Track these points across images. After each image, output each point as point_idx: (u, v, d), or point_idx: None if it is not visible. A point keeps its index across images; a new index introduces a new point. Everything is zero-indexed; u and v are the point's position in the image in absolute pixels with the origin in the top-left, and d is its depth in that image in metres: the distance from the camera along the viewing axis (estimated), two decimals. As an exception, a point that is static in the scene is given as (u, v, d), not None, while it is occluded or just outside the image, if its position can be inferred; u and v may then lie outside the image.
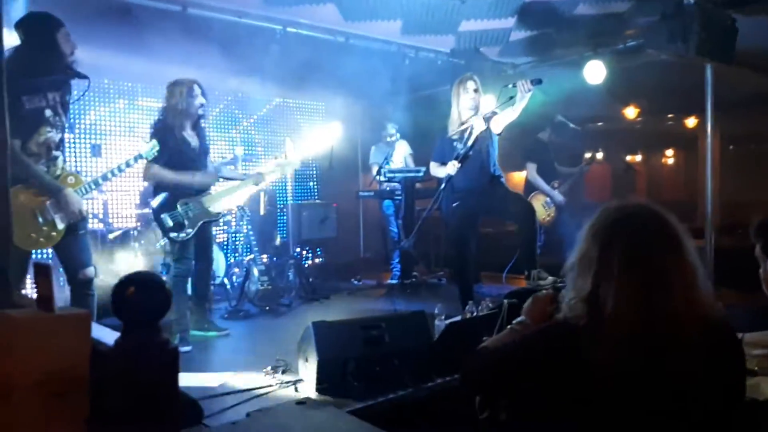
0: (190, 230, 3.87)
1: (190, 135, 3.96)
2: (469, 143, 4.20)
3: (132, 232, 5.12)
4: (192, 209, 3.90)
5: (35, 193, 3.08)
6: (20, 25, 3.01)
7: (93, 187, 3.33)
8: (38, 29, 3.03)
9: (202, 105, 3.96)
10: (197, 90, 3.92)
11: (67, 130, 3.28)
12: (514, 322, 1.69)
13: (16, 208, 2.96)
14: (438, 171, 4.49)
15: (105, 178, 3.44)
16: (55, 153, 3.17)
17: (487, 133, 4.24)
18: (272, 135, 7.07)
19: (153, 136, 3.80)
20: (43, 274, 1.27)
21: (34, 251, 3.32)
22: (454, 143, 4.30)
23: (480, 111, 4.29)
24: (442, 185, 4.35)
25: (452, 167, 4.22)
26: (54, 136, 3.13)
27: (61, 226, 3.16)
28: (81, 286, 3.22)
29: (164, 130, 3.84)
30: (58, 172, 3.19)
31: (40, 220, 3.11)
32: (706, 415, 1.34)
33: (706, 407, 1.33)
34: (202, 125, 4.09)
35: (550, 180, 5.96)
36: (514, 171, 7.46)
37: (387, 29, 5.24)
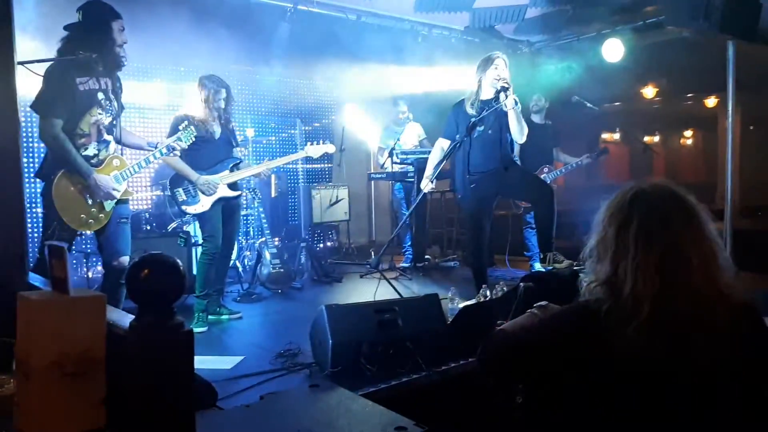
0: (206, 203, 4.03)
1: (214, 127, 4.10)
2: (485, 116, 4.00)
3: (143, 215, 5.12)
4: (204, 183, 4.02)
5: (79, 177, 3.17)
6: (81, 8, 3.15)
7: (136, 170, 3.46)
8: (97, 14, 3.16)
9: (227, 105, 4.14)
10: (223, 93, 4.10)
11: (119, 115, 3.37)
12: (535, 305, 1.64)
13: (63, 191, 3.13)
14: (429, 165, 4.34)
15: (147, 161, 3.59)
16: (107, 137, 3.27)
17: (505, 116, 4.05)
18: (283, 117, 7.04)
19: (180, 120, 3.95)
20: (57, 256, 1.26)
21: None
22: (472, 119, 4.07)
23: (503, 92, 3.97)
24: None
25: (428, 186, 4.25)
26: (104, 119, 3.22)
27: (108, 207, 3.26)
28: (114, 274, 3.28)
29: (189, 118, 4.00)
30: (108, 155, 3.28)
31: (89, 201, 3.20)
32: (734, 398, 1.30)
33: (734, 390, 1.30)
34: (228, 119, 4.22)
35: (540, 163, 5.74)
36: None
37: (400, 6, 5.16)
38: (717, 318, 1.28)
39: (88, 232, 3.38)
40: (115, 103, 3.29)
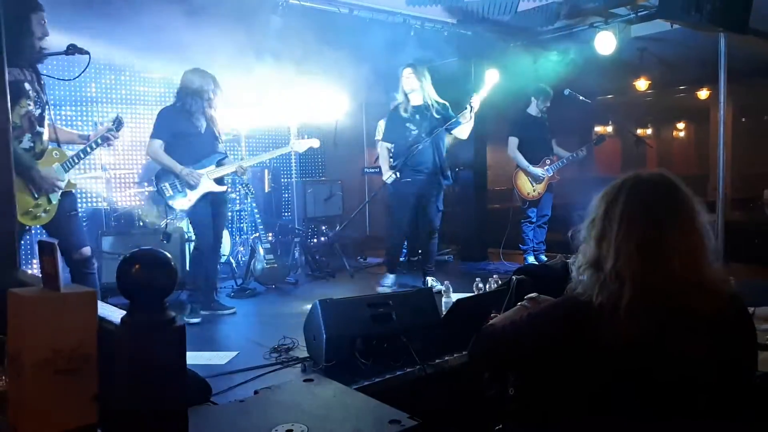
0: (193, 198, 4.04)
1: (201, 120, 4.09)
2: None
3: (136, 211, 5.10)
4: (187, 174, 4.00)
5: (21, 170, 3.09)
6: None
7: (76, 161, 3.37)
8: (16, 6, 3.07)
9: (212, 97, 4.11)
10: (212, 85, 4.08)
11: (47, 107, 3.30)
12: (525, 298, 1.65)
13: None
14: (383, 165, 4.71)
15: (85, 152, 3.46)
16: (39, 128, 3.20)
17: (436, 121, 4.51)
18: (275, 111, 6.99)
19: (164, 114, 4.01)
20: (48, 253, 1.26)
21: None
22: (407, 123, 4.51)
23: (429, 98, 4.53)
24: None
25: (390, 176, 4.52)
26: (34, 110, 3.16)
27: (54, 200, 3.22)
28: (79, 266, 3.26)
29: (175, 112, 4.04)
30: (44, 147, 3.23)
31: (36, 194, 3.16)
32: (717, 389, 1.32)
33: (717, 381, 1.31)
34: (213, 114, 4.19)
35: (541, 155, 5.76)
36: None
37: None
38: (699, 306, 1.29)
39: (37, 225, 3.32)
40: (42, 95, 3.22)
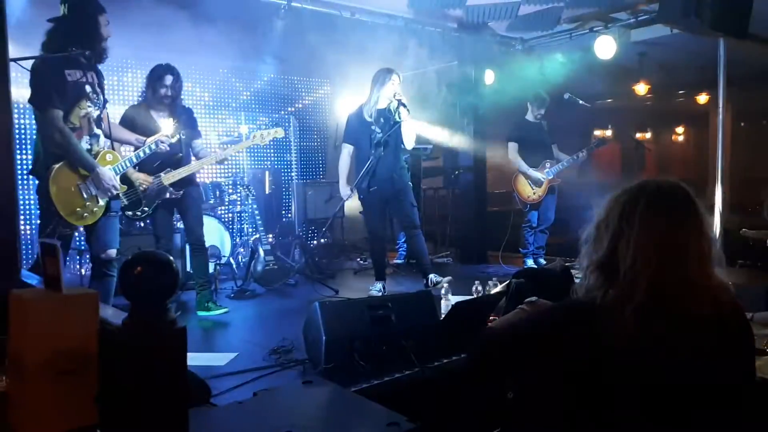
0: (146, 208, 3.96)
1: (162, 120, 3.96)
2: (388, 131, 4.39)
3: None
4: (145, 188, 3.92)
5: (76, 170, 3.16)
6: (66, 1, 3.12)
7: (128, 165, 3.46)
8: (83, 8, 3.15)
9: (170, 89, 3.95)
10: (168, 79, 3.93)
11: (105, 109, 3.35)
12: (525, 301, 1.66)
13: (60, 185, 3.11)
14: (341, 170, 4.64)
15: (138, 156, 3.57)
16: (96, 130, 3.25)
17: (399, 129, 4.42)
18: (276, 113, 7.03)
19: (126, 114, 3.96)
20: (50, 253, 1.27)
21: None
22: (372, 126, 4.44)
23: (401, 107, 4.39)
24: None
25: (347, 193, 4.55)
26: (93, 111, 3.21)
27: (102, 201, 3.26)
28: (101, 265, 3.30)
29: (134, 113, 3.98)
30: (100, 149, 3.28)
31: (84, 195, 3.19)
32: (717, 393, 1.32)
33: (717, 386, 1.32)
34: (181, 110, 4.08)
35: (541, 159, 5.77)
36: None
37: (393, 3, 5.15)
38: (702, 310, 1.30)
39: (82, 225, 3.34)
40: (101, 97, 3.27)
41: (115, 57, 5.47)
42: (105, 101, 3.34)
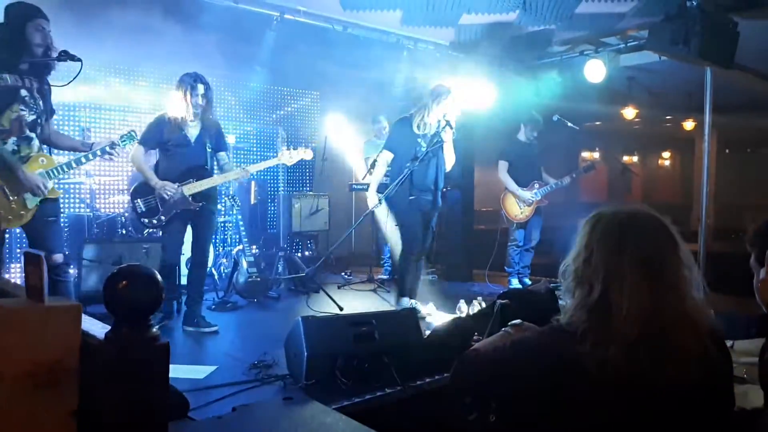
0: (163, 217, 3.93)
1: (190, 130, 3.96)
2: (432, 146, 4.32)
3: (119, 219, 5.05)
4: (161, 187, 3.88)
5: (1, 172, 3.12)
6: (5, 8, 3.14)
7: (65, 169, 3.38)
8: (15, 15, 3.15)
9: (204, 101, 3.92)
10: (201, 89, 3.89)
11: (45, 115, 3.33)
12: (509, 324, 1.65)
13: None
14: (375, 178, 4.58)
15: (79, 161, 3.47)
16: (29, 134, 3.23)
17: (441, 148, 4.39)
18: (265, 124, 7.02)
19: (157, 122, 3.92)
20: (33, 264, 1.24)
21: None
22: (418, 139, 4.36)
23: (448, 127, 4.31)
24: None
25: (375, 202, 4.38)
26: (27, 116, 3.20)
27: (31, 204, 3.21)
28: (50, 272, 3.20)
29: (162, 122, 3.92)
30: (32, 152, 3.25)
31: (10, 197, 3.15)
32: (697, 423, 1.32)
33: (697, 415, 1.32)
34: (210, 123, 4.05)
35: (531, 179, 5.83)
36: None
37: (386, 19, 5.19)
38: (682, 339, 1.31)
39: (7, 227, 3.31)
40: (41, 102, 3.26)
41: (104, 63, 5.50)
42: (50, 109, 3.34)
